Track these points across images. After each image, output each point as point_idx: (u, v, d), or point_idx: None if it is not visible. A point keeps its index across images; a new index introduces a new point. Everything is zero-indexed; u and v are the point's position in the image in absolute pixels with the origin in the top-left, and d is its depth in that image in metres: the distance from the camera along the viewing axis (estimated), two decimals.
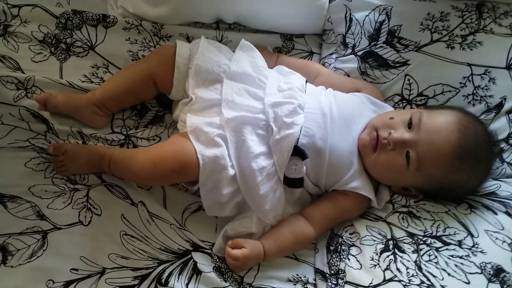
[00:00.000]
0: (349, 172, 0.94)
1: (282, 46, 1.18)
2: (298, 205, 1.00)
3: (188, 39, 1.14)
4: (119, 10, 1.13)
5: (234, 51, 1.04)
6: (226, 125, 0.91)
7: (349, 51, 1.12)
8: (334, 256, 0.96)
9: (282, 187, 0.94)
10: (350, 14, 1.12)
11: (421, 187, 0.95)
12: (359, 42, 1.11)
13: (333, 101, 0.98)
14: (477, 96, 1.02)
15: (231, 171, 0.89)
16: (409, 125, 0.92)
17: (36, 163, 0.97)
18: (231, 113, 0.92)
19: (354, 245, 0.94)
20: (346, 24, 1.13)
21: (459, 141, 0.88)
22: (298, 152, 0.91)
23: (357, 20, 1.11)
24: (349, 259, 0.92)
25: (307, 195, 1.01)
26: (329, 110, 0.95)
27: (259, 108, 0.94)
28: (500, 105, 1.01)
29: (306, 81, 1.03)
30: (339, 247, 0.96)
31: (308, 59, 1.20)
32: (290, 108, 0.93)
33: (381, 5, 1.08)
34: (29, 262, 0.88)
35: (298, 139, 0.91)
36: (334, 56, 1.16)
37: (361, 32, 1.11)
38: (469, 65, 1.02)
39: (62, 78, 1.04)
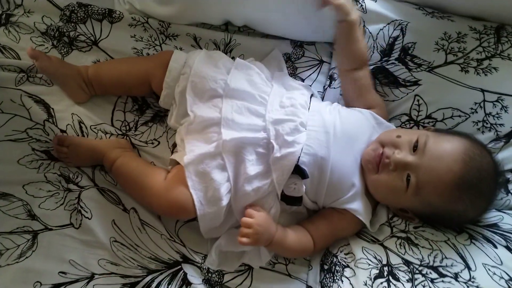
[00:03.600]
0: (349, 192, 0.92)
1: (292, 53, 1.15)
2: (293, 217, 0.99)
3: (196, 39, 1.11)
4: (126, 6, 1.10)
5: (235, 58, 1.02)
6: (224, 147, 0.89)
7: None
8: (327, 276, 0.94)
9: (278, 204, 0.93)
10: (364, 26, 1.09)
11: (418, 212, 0.93)
12: (371, 56, 1.08)
13: (337, 118, 0.95)
14: (487, 124, 0.99)
15: (226, 201, 0.89)
16: (414, 148, 0.89)
17: (29, 160, 0.96)
18: (230, 134, 0.89)
19: (348, 266, 0.93)
20: None
21: (461, 173, 0.85)
22: (299, 171, 0.89)
23: (370, 33, 1.08)
24: (342, 281, 0.91)
25: (303, 208, 0.99)
26: (333, 128, 0.93)
27: (260, 125, 0.92)
28: (510, 135, 0.98)
29: (312, 96, 1.00)
30: (333, 267, 0.94)
31: (318, 67, 1.16)
32: (291, 126, 0.90)
33: (396, 20, 1.05)
34: (17, 262, 0.87)
35: (299, 157, 0.89)
36: None
37: (374, 46, 1.08)
38: (482, 90, 0.99)
39: None
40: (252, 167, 0.89)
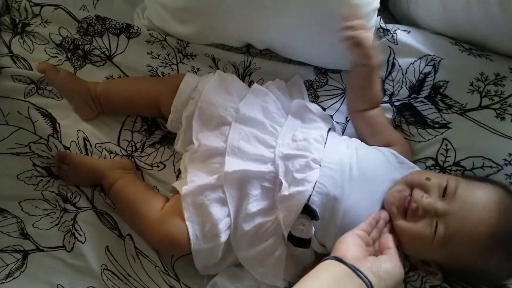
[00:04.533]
0: None
1: (315, 80, 1.09)
2: (299, 261, 0.91)
3: (214, 61, 1.06)
4: (145, 21, 1.07)
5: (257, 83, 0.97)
6: (226, 179, 0.84)
7: (386, 98, 1.02)
8: None
9: (284, 246, 0.86)
10: (394, 58, 1.01)
11: (443, 265, 0.84)
12: (398, 91, 1.00)
13: (354, 156, 0.88)
14: None
15: (224, 237, 0.83)
16: (444, 193, 0.81)
17: (29, 176, 0.94)
18: (233, 165, 0.84)
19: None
20: (387, 68, 1.02)
21: (496, 223, 0.76)
22: (309, 212, 0.82)
23: (400, 66, 1.00)
24: None
25: (311, 251, 0.92)
26: (349, 166, 0.86)
27: (268, 157, 0.86)
28: None
29: (329, 130, 0.93)
30: None
31: (342, 97, 1.09)
32: (302, 162, 0.84)
33: (429, 55, 0.97)
34: (4, 283, 0.85)
35: (310, 196, 0.82)
36: None
37: (402, 81, 1.00)
38: None
39: None
40: (255, 202, 0.84)
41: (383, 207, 0.86)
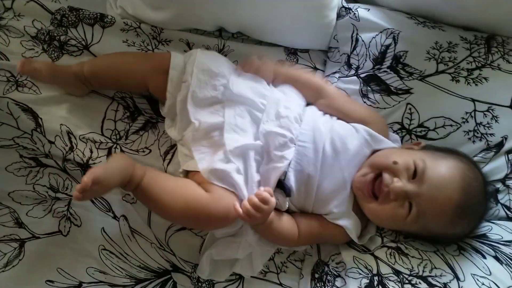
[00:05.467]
0: (337, 209, 0.92)
1: (286, 59, 1.15)
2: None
3: (189, 45, 1.10)
4: (118, 10, 1.09)
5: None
6: (232, 155, 0.88)
7: (352, 72, 1.09)
8: (318, 285, 0.94)
9: None
10: (357, 34, 1.09)
11: (414, 234, 0.94)
12: (363, 64, 1.08)
13: (329, 134, 0.94)
14: (478, 133, 1.00)
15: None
16: (414, 175, 0.88)
17: (17, 167, 0.94)
18: (233, 142, 0.88)
19: (339, 275, 0.93)
20: (352, 44, 1.10)
21: (461, 201, 0.85)
22: (282, 188, 0.89)
23: (363, 41, 1.08)
24: None
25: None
26: (322, 144, 0.92)
27: (259, 132, 0.92)
28: (500, 144, 0.99)
29: (307, 104, 1.00)
30: (325, 276, 0.94)
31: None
32: (281, 141, 0.90)
33: (389, 29, 1.05)
34: (3, 271, 0.86)
35: (286, 172, 0.88)
36: (337, 75, 1.12)
37: (366, 54, 1.07)
38: (473, 100, 0.99)
39: None
40: (256, 173, 0.89)
41: None
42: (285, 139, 0.90)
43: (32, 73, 0.95)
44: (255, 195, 0.83)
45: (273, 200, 0.83)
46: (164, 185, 0.87)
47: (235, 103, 0.93)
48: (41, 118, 0.97)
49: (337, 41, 1.13)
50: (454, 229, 0.89)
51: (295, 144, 0.91)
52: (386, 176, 0.88)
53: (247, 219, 0.83)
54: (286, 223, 0.92)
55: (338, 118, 1.01)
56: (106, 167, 0.81)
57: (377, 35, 1.06)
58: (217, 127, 0.91)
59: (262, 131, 0.91)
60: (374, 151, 0.95)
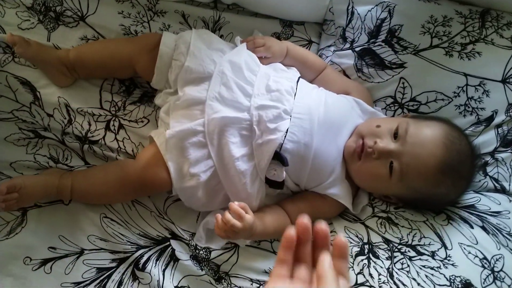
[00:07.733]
0: (330, 178, 0.95)
1: (281, 32, 1.15)
2: (278, 199, 1.01)
3: (184, 17, 1.10)
4: None
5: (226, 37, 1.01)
6: (208, 126, 0.89)
7: (347, 45, 1.10)
8: None
9: (264, 186, 0.95)
10: (353, 7, 1.09)
11: (402, 197, 0.97)
12: (358, 37, 1.08)
13: (322, 104, 0.96)
14: (469, 107, 1.02)
15: (204, 177, 0.90)
16: (395, 135, 0.91)
17: (16, 138, 0.95)
18: (214, 113, 0.90)
19: (330, 244, 0.96)
20: (347, 17, 1.10)
21: (444, 157, 0.88)
22: (279, 158, 0.90)
23: (358, 14, 1.08)
24: None
25: (287, 191, 1.01)
26: (317, 115, 0.94)
27: (245, 105, 0.92)
28: (490, 118, 1.01)
29: (299, 79, 1.01)
30: None
31: (307, 47, 1.17)
32: (275, 113, 0.91)
33: (384, 2, 1.05)
34: (7, 238, 0.88)
35: (282, 144, 0.90)
36: (332, 48, 1.13)
37: (361, 28, 1.08)
38: (465, 75, 1.01)
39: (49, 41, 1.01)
40: (237, 149, 0.90)
41: None
42: (278, 110, 0.91)
43: (21, 43, 0.94)
44: (226, 216, 0.83)
45: (247, 216, 0.84)
46: (94, 179, 0.93)
47: (225, 69, 0.93)
48: (39, 92, 0.97)
49: (333, 14, 1.13)
50: (439, 188, 0.90)
51: (290, 116, 0.92)
52: (367, 139, 0.92)
53: (225, 237, 0.85)
54: (274, 219, 0.94)
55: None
56: (27, 177, 0.91)
57: (372, 8, 1.06)
58: (199, 102, 0.92)
59: (254, 105, 0.92)
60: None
